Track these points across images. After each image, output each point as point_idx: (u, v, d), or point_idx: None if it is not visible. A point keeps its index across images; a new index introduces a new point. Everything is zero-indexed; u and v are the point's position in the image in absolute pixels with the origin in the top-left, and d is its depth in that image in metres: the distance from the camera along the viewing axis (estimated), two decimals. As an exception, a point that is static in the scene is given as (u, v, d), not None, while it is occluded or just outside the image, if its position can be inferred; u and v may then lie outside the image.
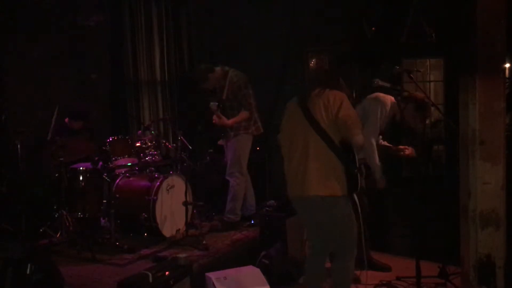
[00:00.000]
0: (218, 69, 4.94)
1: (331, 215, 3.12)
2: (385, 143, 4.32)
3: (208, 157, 5.79)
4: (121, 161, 4.76)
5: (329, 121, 3.06)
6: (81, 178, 4.74)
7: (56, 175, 4.69)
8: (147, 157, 4.85)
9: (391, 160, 4.36)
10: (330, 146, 3.05)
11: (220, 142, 5.16)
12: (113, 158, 4.69)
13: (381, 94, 4.08)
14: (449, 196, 4.04)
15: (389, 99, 4.04)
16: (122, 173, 4.81)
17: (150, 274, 3.19)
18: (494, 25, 3.29)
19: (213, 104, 4.83)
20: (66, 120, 5.13)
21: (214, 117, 4.88)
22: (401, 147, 4.27)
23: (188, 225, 4.63)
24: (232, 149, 4.95)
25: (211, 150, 5.73)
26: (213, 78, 4.91)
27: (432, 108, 4.13)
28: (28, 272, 3.10)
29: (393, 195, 5.25)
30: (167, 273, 3.29)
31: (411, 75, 4.01)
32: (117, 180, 4.72)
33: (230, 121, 4.87)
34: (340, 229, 3.16)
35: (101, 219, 4.88)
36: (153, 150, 4.90)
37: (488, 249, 3.38)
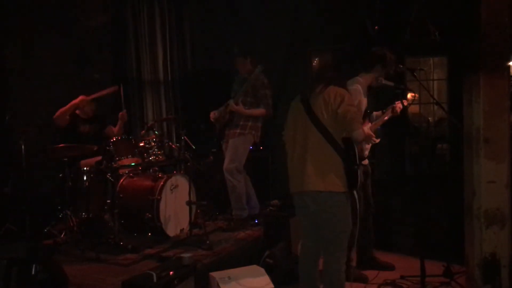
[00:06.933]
0: (249, 58, 5.00)
1: (328, 211, 3.11)
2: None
3: (211, 157, 5.79)
4: (124, 161, 4.74)
5: (329, 117, 3.07)
6: (85, 178, 4.73)
7: (60, 175, 4.71)
8: (150, 157, 4.84)
9: (395, 158, 4.35)
10: (330, 142, 3.07)
11: (212, 114, 5.12)
12: (117, 158, 4.69)
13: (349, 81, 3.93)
14: (453, 195, 4.03)
15: (356, 80, 3.93)
16: (126, 173, 4.82)
17: (154, 274, 3.20)
18: (499, 23, 3.28)
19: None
20: (78, 112, 5.15)
21: (232, 104, 4.89)
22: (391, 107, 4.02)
23: (192, 224, 4.63)
24: (235, 145, 4.96)
25: (215, 150, 5.73)
26: (248, 63, 4.98)
27: (436, 107, 4.11)
28: (32, 272, 3.10)
29: (398, 194, 5.24)
30: (171, 272, 3.29)
31: (415, 74, 4.00)
32: (121, 180, 4.72)
33: (246, 111, 4.91)
34: (335, 227, 3.14)
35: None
36: (156, 150, 4.89)
37: (492, 248, 3.38)
